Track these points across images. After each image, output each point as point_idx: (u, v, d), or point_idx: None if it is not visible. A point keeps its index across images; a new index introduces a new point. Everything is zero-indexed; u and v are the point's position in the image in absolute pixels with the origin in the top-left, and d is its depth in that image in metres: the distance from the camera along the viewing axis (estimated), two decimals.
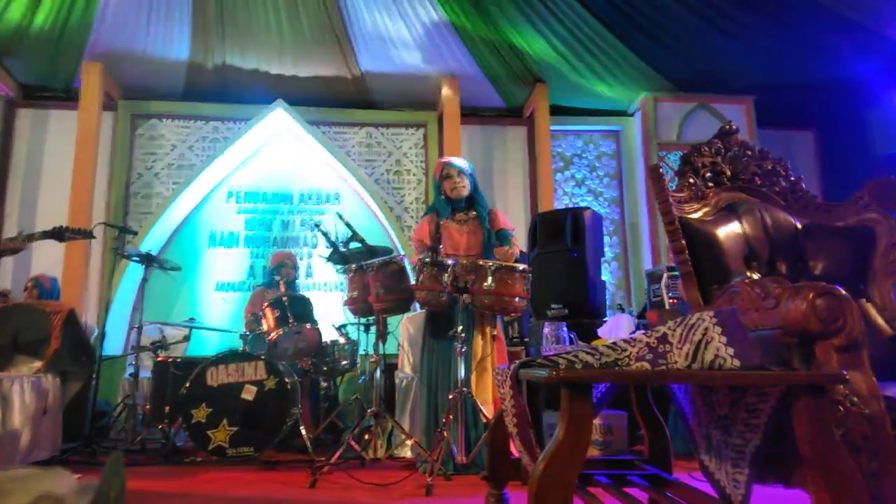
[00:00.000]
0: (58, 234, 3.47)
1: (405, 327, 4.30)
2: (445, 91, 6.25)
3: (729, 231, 2.04)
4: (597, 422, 3.18)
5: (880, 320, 1.93)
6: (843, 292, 1.33)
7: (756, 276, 1.98)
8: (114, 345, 5.58)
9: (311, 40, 5.84)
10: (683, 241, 1.97)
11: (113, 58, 5.90)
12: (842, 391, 1.30)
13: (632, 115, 6.74)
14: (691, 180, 2.19)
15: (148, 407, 4.16)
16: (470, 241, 3.52)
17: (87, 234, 3.61)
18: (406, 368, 4.19)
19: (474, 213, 3.58)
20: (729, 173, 2.23)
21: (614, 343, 1.51)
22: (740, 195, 2.20)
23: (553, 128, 6.50)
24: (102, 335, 4.08)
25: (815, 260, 2.06)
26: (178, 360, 4.26)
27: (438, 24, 5.65)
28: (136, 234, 5.69)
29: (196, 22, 5.59)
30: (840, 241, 2.08)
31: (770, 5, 4.99)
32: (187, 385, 3.65)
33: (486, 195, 3.86)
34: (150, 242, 5.88)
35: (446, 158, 3.74)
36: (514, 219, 6.09)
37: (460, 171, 3.57)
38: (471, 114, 6.60)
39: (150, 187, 6.20)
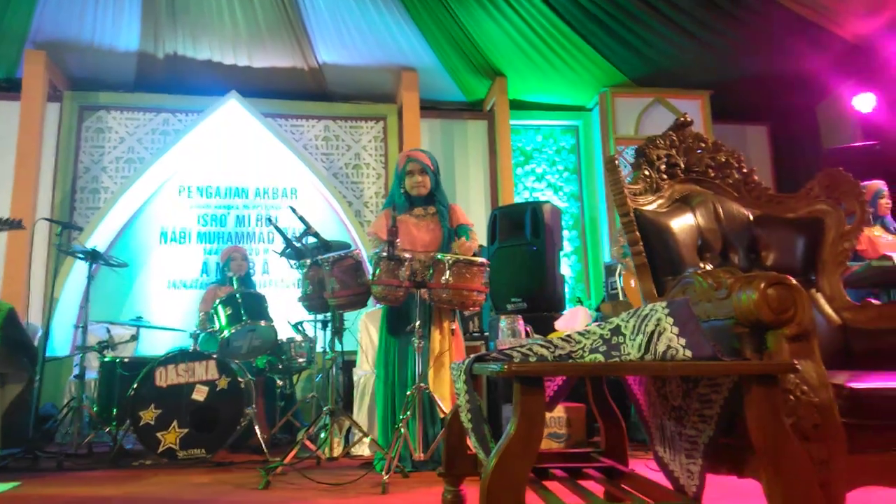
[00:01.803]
0: None
1: (364, 324, 4.23)
2: (405, 84, 6.18)
3: (683, 222, 2.03)
4: (556, 414, 3.19)
5: (829, 310, 1.96)
6: (795, 282, 1.33)
7: (709, 267, 1.98)
8: (60, 345, 5.36)
9: (266, 30, 5.70)
10: (638, 233, 1.96)
11: (58, 46, 5.66)
12: (793, 380, 1.29)
13: (590, 109, 6.78)
14: (646, 172, 2.18)
15: (95, 409, 4.01)
16: (428, 237, 3.44)
17: (15, 225, 3.42)
18: (364, 366, 4.13)
19: (434, 209, 3.50)
20: (683, 165, 2.23)
21: (569, 335, 1.49)
22: (694, 187, 2.20)
23: (513, 122, 6.50)
24: (46, 335, 3.90)
25: (767, 251, 2.08)
26: (126, 360, 4.11)
27: (397, 16, 5.58)
28: (81, 230, 5.49)
29: (146, 10, 5.40)
30: (791, 232, 2.10)
31: (725, 2, 5.07)
32: (135, 386, 3.52)
33: (447, 190, 3.76)
34: (98, 238, 5.66)
35: (411, 152, 3.61)
36: (475, 213, 6.07)
37: (423, 170, 3.42)
38: (431, 107, 6.55)
39: (97, 181, 5.97)
